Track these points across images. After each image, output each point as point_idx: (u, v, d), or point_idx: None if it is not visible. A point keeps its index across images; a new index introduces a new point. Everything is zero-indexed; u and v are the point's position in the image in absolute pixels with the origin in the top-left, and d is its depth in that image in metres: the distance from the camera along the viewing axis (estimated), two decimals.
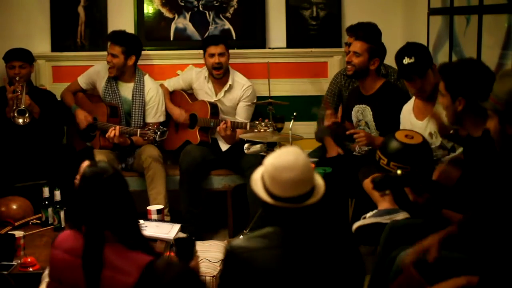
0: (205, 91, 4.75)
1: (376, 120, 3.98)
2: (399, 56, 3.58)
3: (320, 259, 2.16)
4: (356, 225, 3.33)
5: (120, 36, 4.62)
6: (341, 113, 4.57)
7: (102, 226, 2.26)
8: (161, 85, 4.88)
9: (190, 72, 4.90)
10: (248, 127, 4.35)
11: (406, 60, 3.52)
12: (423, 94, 3.57)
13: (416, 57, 3.51)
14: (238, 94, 4.68)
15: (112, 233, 2.26)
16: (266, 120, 4.05)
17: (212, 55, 4.61)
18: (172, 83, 4.92)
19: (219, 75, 4.65)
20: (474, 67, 2.89)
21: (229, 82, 4.69)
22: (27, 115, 4.34)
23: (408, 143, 3.28)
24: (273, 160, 2.17)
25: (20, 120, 4.34)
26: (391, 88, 4.06)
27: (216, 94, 4.72)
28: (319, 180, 2.23)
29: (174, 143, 4.80)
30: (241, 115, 4.66)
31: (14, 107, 4.34)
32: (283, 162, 2.14)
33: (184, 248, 2.67)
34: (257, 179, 2.23)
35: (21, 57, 4.54)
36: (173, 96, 4.90)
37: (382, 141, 3.49)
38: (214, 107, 4.66)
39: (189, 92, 4.89)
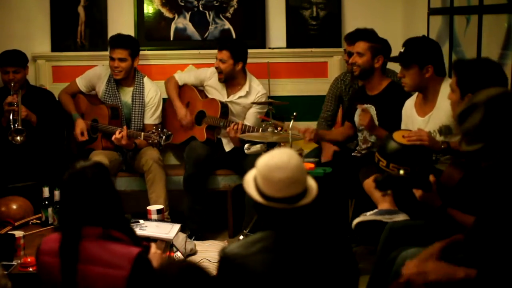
0: (218, 91, 4.73)
1: (379, 119, 3.98)
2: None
3: (313, 261, 2.15)
4: (356, 221, 3.33)
5: (124, 39, 4.61)
6: (341, 116, 4.59)
7: (78, 223, 2.29)
8: (172, 77, 4.86)
9: (205, 70, 4.86)
10: (260, 131, 4.28)
11: (401, 49, 3.60)
12: (406, 85, 3.61)
13: (406, 48, 3.57)
14: (252, 99, 4.66)
15: (97, 227, 2.28)
16: (280, 128, 4.01)
17: (216, 59, 4.62)
18: (183, 77, 4.88)
19: (221, 79, 4.66)
20: (488, 66, 2.89)
21: (246, 89, 4.66)
22: (24, 134, 4.30)
23: (406, 144, 3.28)
24: (266, 160, 2.17)
25: (18, 138, 4.31)
26: (397, 88, 4.05)
27: (228, 96, 4.70)
28: (311, 182, 2.24)
29: (179, 137, 4.77)
30: (250, 120, 4.64)
31: (11, 126, 4.31)
32: (276, 162, 2.14)
33: None
34: (250, 180, 2.24)
35: (14, 63, 4.50)
36: (182, 90, 4.88)
37: (380, 143, 3.49)
38: (224, 107, 4.63)
39: (199, 89, 4.87)
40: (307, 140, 4.13)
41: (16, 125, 4.32)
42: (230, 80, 4.67)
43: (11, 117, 4.35)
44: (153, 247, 2.50)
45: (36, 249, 2.41)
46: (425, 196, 2.79)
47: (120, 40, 4.60)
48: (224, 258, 2.17)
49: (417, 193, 2.82)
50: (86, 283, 2.24)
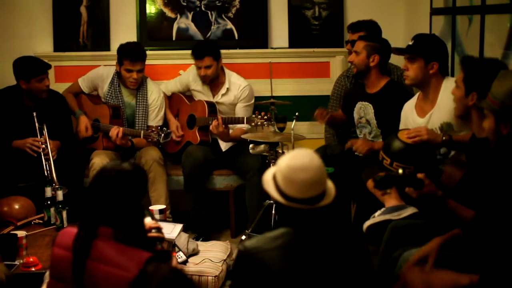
0: (203, 94, 4.75)
1: (377, 118, 3.99)
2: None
3: (331, 260, 2.17)
4: (366, 224, 3.33)
5: (143, 51, 4.58)
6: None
7: (95, 220, 2.28)
8: None
9: (187, 74, 4.88)
10: (245, 121, 4.32)
11: (410, 42, 3.61)
12: (407, 78, 3.62)
13: (415, 41, 3.58)
14: (236, 95, 4.67)
15: (111, 229, 2.27)
16: (263, 113, 4.05)
17: (199, 67, 4.61)
18: (169, 87, 4.91)
19: (205, 82, 4.68)
20: (496, 67, 2.88)
21: (226, 86, 4.68)
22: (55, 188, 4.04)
23: (411, 143, 3.28)
24: (288, 161, 2.18)
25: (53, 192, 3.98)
26: (395, 87, 4.06)
27: (214, 96, 4.71)
28: (330, 183, 2.25)
29: (175, 146, 4.79)
30: (240, 115, 4.65)
31: (46, 175, 4.17)
32: (298, 163, 2.15)
33: None
34: (269, 180, 2.25)
35: (46, 69, 4.37)
36: (171, 100, 4.90)
37: (385, 141, 3.49)
38: (211, 105, 4.65)
39: (187, 94, 4.88)
40: (322, 122, 4.23)
41: (52, 180, 4.11)
42: (214, 80, 4.68)
43: (43, 160, 4.21)
44: (174, 261, 2.49)
45: (53, 238, 2.41)
46: (421, 193, 2.80)
47: (140, 53, 4.56)
48: (243, 252, 2.18)
49: (412, 193, 2.83)
50: (93, 280, 2.24)
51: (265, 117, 4.05)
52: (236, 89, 4.68)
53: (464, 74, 2.93)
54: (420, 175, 2.80)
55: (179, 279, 1.91)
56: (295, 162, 2.16)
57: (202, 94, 4.75)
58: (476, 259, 2.51)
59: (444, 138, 3.30)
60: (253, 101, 4.69)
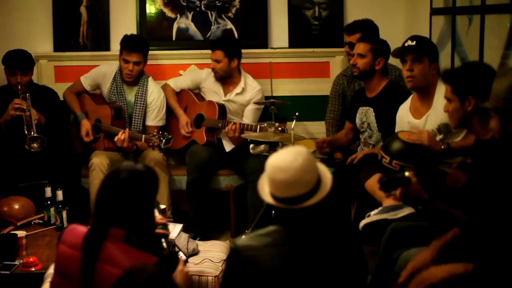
0: (214, 91, 4.73)
1: (378, 121, 3.98)
2: (404, 42, 3.61)
3: (323, 257, 2.15)
4: (362, 223, 3.33)
5: (142, 43, 4.58)
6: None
7: (106, 222, 2.28)
8: (167, 85, 4.86)
9: (200, 72, 4.87)
10: (258, 130, 4.30)
11: (407, 43, 3.57)
12: (413, 80, 3.56)
13: (417, 42, 3.54)
14: (249, 96, 4.67)
15: (121, 230, 2.27)
16: (277, 124, 4.03)
17: (211, 60, 4.63)
18: (179, 83, 4.88)
19: (217, 77, 4.67)
20: (478, 67, 2.89)
21: (242, 85, 4.68)
22: (40, 140, 4.25)
23: (411, 142, 3.29)
24: (272, 159, 2.17)
25: (35, 145, 4.26)
26: (394, 89, 4.05)
27: (225, 95, 4.71)
28: (325, 181, 2.20)
29: (179, 142, 4.77)
30: (249, 117, 4.65)
31: (26, 132, 4.26)
32: (278, 163, 2.13)
33: None
34: (264, 177, 2.24)
35: (23, 66, 4.42)
36: (179, 96, 4.89)
37: (385, 140, 3.49)
38: (222, 108, 4.63)
39: (195, 92, 4.88)
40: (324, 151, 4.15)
41: (31, 132, 4.26)
42: (227, 79, 4.68)
43: (24, 123, 4.29)
44: (181, 264, 2.50)
45: (59, 235, 2.40)
46: (407, 193, 2.79)
47: (138, 44, 4.56)
48: (234, 250, 2.18)
49: (397, 191, 2.82)
50: (100, 281, 2.24)
51: (279, 128, 4.01)
52: (251, 91, 4.68)
53: (452, 86, 2.93)
54: (409, 174, 2.79)
55: (163, 281, 1.91)
56: (276, 161, 2.14)
57: (213, 92, 4.74)
58: (473, 254, 2.52)
59: (442, 147, 3.31)
60: (263, 104, 4.67)
